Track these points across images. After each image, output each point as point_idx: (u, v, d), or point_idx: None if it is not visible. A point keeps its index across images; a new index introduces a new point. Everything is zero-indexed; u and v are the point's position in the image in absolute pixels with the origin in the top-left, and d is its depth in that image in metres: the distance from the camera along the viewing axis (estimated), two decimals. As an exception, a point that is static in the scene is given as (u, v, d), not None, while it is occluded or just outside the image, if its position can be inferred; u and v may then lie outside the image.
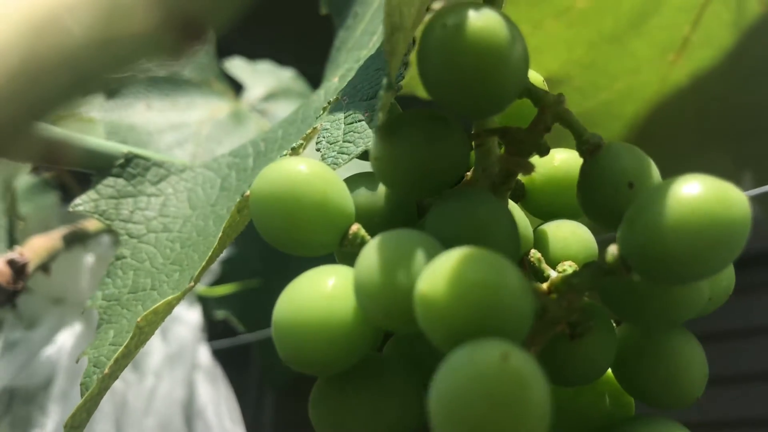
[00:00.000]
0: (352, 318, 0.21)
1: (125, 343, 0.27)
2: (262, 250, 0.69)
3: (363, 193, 0.25)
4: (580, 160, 0.24)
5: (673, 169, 0.25)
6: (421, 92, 0.34)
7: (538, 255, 0.25)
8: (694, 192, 0.20)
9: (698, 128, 0.39)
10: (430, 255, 0.20)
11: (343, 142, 0.26)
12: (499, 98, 0.22)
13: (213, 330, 0.72)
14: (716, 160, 0.42)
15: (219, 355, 0.69)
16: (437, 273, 0.19)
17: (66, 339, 0.59)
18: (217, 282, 0.69)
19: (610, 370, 0.25)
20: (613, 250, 0.22)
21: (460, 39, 0.21)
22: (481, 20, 0.21)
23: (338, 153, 0.26)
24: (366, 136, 0.26)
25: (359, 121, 0.27)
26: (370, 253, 0.21)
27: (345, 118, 0.27)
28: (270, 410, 0.84)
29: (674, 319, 0.24)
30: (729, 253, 0.20)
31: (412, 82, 0.33)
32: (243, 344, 0.74)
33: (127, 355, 0.28)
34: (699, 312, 0.24)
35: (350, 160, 0.26)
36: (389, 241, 0.21)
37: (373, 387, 0.23)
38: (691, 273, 0.21)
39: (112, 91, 0.57)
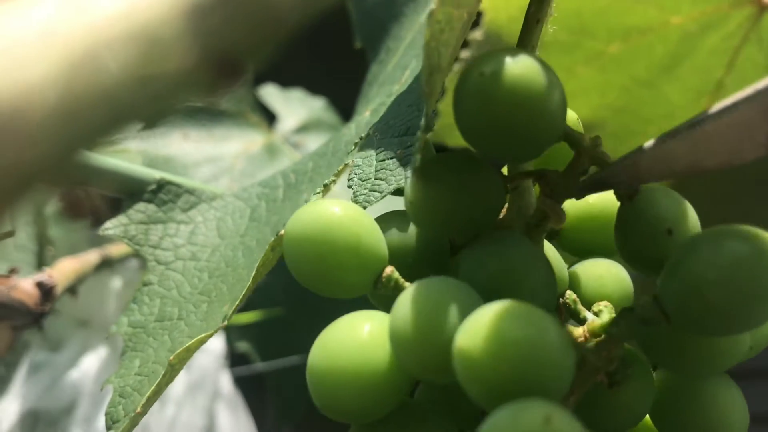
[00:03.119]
0: (387, 366, 0.21)
1: (157, 381, 0.27)
2: (285, 281, 0.69)
3: (395, 232, 0.25)
4: (614, 198, 0.24)
5: (709, 215, 0.24)
6: (450, 141, 0.34)
7: (574, 296, 0.25)
8: (737, 244, 0.19)
9: (734, 173, 0.38)
10: (468, 306, 0.20)
11: (375, 179, 0.26)
12: (537, 145, 0.22)
13: (234, 357, 0.72)
14: (752, 207, 0.41)
15: (239, 382, 0.69)
16: (476, 328, 0.19)
17: (91, 363, 0.59)
18: (241, 310, 0.69)
19: (648, 416, 0.25)
20: (651, 299, 0.21)
21: (497, 87, 0.21)
22: (518, 68, 0.21)
23: (370, 191, 0.26)
24: (398, 174, 0.26)
25: (391, 158, 0.26)
26: (407, 303, 0.21)
27: (377, 154, 0.27)
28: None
29: (714, 368, 0.23)
30: None
31: (442, 131, 0.33)
32: (262, 373, 0.74)
33: (158, 392, 0.28)
34: (739, 360, 0.23)
35: (382, 197, 0.26)
36: (425, 291, 0.21)
37: None
38: (732, 326, 0.20)
39: (150, 122, 0.58)
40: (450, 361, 0.19)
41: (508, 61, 0.21)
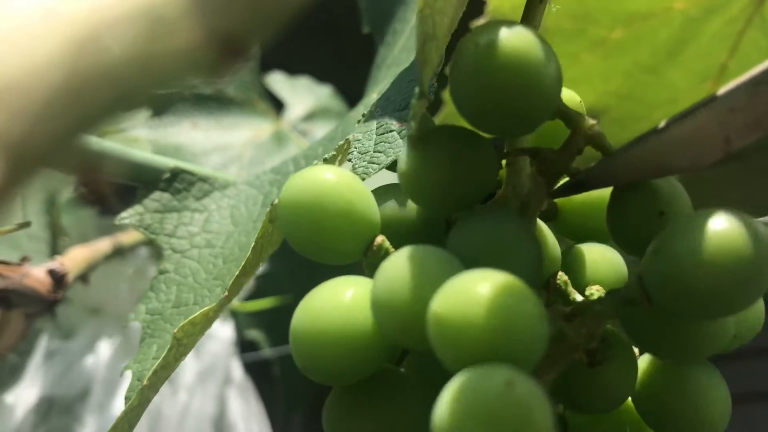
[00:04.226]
0: (369, 329, 0.21)
1: (164, 355, 0.28)
2: (294, 268, 0.70)
3: (390, 205, 0.25)
4: None
5: (710, 202, 0.24)
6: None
7: (565, 278, 0.25)
8: (722, 228, 0.19)
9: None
10: (449, 274, 0.20)
11: (374, 152, 0.27)
12: (531, 118, 0.22)
13: (244, 344, 0.72)
14: (754, 194, 0.41)
15: (249, 369, 0.70)
16: (451, 293, 0.19)
17: (103, 350, 0.59)
18: (250, 298, 0.69)
19: (630, 400, 0.25)
20: (634, 279, 0.21)
21: (492, 58, 0.21)
22: (513, 39, 0.21)
23: (369, 163, 0.26)
24: (397, 146, 0.26)
25: (391, 131, 0.27)
26: (388, 268, 0.21)
27: (377, 128, 0.27)
28: (298, 425, 0.84)
29: (696, 354, 0.23)
30: (755, 293, 0.20)
31: (446, 120, 0.33)
32: (272, 359, 0.74)
33: (166, 367, 0.28)
34: (723, 348, 0.23)
35: (380, 169, 0.26)
36: (408, 257, 0.21)
37: (386, 399, 0.23)
38: (713, 309, 0.20)
39: (159, 109, 0.58)
40: (424, 325, 0.19)
41: (504, 32, 0.21)
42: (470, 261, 0.21)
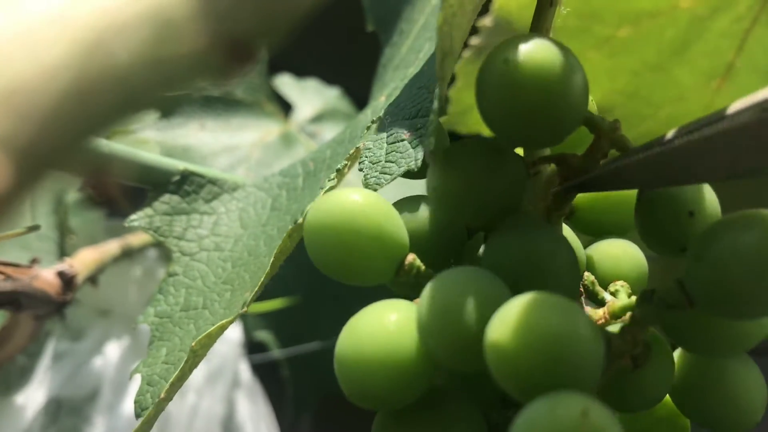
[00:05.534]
0: (414, 355, 0.21)
1: (180, 367, 0.28)
2: (301, 270, 0.70)
3: (410, 218, 0.25)
4: None
5: (724, 198, 0.24)
6: (462, 128, 0.35)
7: (592, 278, 0.25)
8: (765, 230, 0.20)
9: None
10: (493, 295, 0.20)
11: (386, 162, 0.26)
12: (561, 129, 0.22)
13: (252, 345, 0.72)
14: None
15: (257, 370, 0.70)
16: (507, 321, 0.19)
17: (112, 351, 0.60)
18: (258, 299, 0.69)
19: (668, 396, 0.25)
20: (675, 284, 0.22)
21: (522, 73, 0.21)
22: (542, 54, 0.21)
23: (380, 173, 0.26)
24: (408, 156, 0.26)
25: (402, 140, 0.27)
26: (434, 293, 0.21)
27: (387, 137, 0.27)
28: (307, 427, 0.84)
29: (736, 349, 0.24)
30: None
31: (453, 118, 0.33)
32: (280, 360, 0.74)
33: (182, 378, 0.28)
34: (759, 340, 0.23)
35: (392, 180, 0.26)
36: (452, 280, 0.21)
37: (432, 419, 0.23)
38: (757, 310, 0.20)
39: (167, 111, 0.58)
40: (477, 350, 0.19)
41: (531, 47, 0.21)
42: (510, 276, 0.21)
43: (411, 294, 0.23)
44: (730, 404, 0.24)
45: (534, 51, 0.21)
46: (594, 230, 0.28)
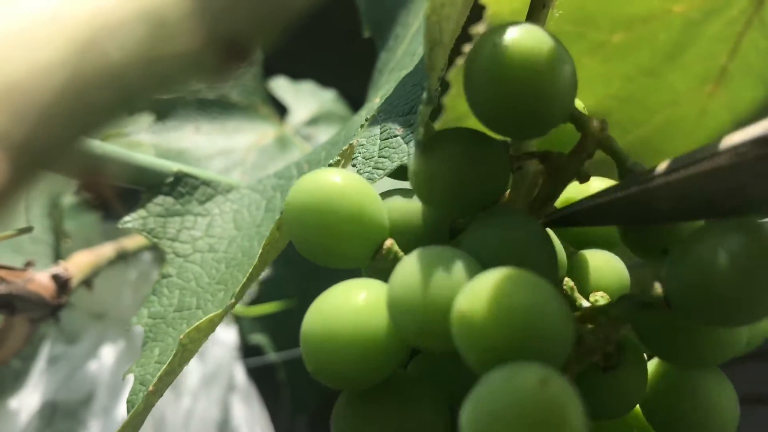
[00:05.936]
0: (383, 333, 0.21)
1: (169, 361, 0.28)
2: (297, 272, 0.70)
3: (397, 209, 0.25)
4: None
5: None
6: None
7: (572, 284, 0.25)
8: (745, 235, 0.19)
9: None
10: (469, 273, 0.20)
11: (379, 157, 0.26)
12: (546, 118, 0.22)
13: (247, 348, 0.72)
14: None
15: (253, 373, 0.70)
16: (477, 292, 0.18)
17: (107, 354, 0.60)
18: (254, 302, 0.69)
19: (638, 406, 0.25)
20: (657, 285, 0.21)
21: (510, 56, 0.21)
22: (531, 39, 0.21)
23: (373, 168, 0.26)
24: (401, 152, 0.26)
25: (395, 136, 0.27)
26: (407, 268, 0.21)
27: (381, 133, 0.27)
28: (303, 430, 0.84)
29: (709, 360, 0.23)
30: None
31: (448, 125, 0.33)
32: (276, 363, 0.74)
33: (171, 373, 0.28)
34: (735, 353, 0.23)
35: (385, 175, 0.26)
36: (426, 257, 0.21)
37: (397, 404, 0.22)
38: (737, 317, 0.20)
39: (162, 114, 0.58)
40: (448, 327, 0.19)
41: (521, 32, 0.21)
42: (487, 261, 0.21)
43: (387, 281, 0.23)
44: (701, 419, 0.24)
45: (523, 36, 0.21)
46: (579, 241, 0.27)
